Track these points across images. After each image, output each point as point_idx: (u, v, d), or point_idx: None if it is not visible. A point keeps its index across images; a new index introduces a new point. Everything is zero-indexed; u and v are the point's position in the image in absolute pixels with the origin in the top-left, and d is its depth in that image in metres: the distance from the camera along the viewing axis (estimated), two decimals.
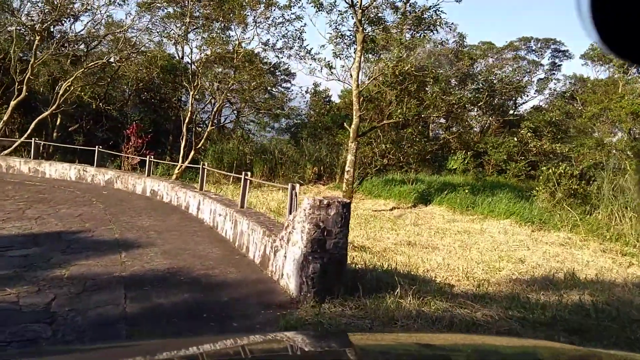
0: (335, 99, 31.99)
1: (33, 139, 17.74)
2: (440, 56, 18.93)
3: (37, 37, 19.63)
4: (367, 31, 16.40)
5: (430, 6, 16.05)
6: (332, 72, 17.72)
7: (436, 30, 16.84)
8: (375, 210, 16.21)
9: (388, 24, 17.26)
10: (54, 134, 22.89)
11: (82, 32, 23.00)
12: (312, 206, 5.41)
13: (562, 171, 15.14)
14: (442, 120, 28.03)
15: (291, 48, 22.58)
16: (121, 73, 24.79)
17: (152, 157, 15.57)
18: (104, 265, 6.48)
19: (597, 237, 12.18)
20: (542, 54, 37.42)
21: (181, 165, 20.31)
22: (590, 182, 16.29)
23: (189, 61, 24.39)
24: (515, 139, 24.50)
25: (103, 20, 23.09)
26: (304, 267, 5.40)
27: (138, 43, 22.99)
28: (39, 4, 20.15)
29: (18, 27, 20.94)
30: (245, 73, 22.03)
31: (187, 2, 21.92)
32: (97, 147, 15.97)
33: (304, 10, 23.87)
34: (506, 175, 24.65)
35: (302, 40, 26.52)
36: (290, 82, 32.21)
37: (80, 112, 24.41)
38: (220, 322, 4.85)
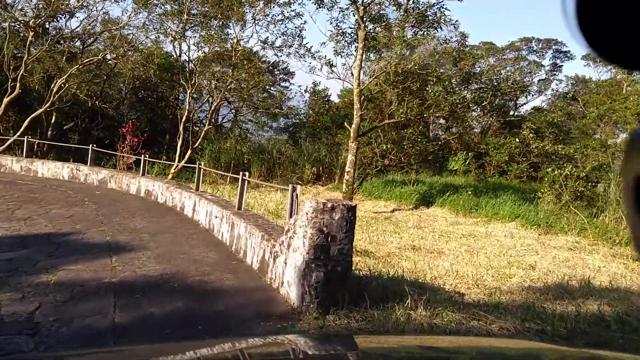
0: (335, 98, 31.81)
1: (26, 137, 17.36)
2: (444, 54, 18.58)
3: (31, 33, 19.29)
4: (368, 28, 16.07)
5: (434, 3, 15.76)
6: (332, 71, 17.39)
7: (440, 27, 16.52)
8: (376, 212, 15.88)
9: (391, 20, 16.93)
10: (49, 132, 22.51)
11: (77, 29, 22.71)
12: (315, 209, 5.05)
13: (569, 173, 14.81)
14: (442, 121, 27.77)
15: (290, 46, 22.27)
16: (117, 71, 24.49)
17: (148, 156, 15.26)
18: (93, 271, 6.17)
19: (606, 241, 11.85)
20: (543, 55, 37.27)
21: (177, 165, 19.98)
22: (594, 184, 16.02)
23: (187, 59, 24.07)
24: (517, 140, 24.20)
25: (99, 17, 22.80)
26: (306, 275, 5.04)
27: (135, 40, 22.64)
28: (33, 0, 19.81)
29: (12, 24, 20.60)
30: (243, 71, 21.70)
31: None
32: (91, 145, 15.60)
33: (304, 7, 23.58)
34: (508, 176, 24.37)
35: (302, 38, 26.25)
36: (289, 81, 32.01)
37: (75, 110, 24.06)
38: (216, 334, 4.55)
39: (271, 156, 23.95)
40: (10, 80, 19.80)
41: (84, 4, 21.02)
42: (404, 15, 16.33)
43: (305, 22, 39.09)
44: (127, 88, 26.35)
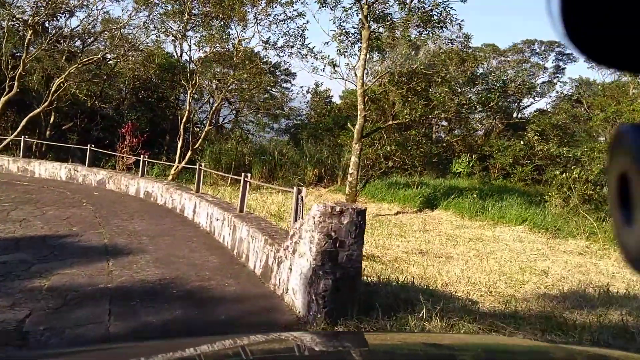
0: (337, 99, 31.54)
1: (23, 136, 17.09)
2: (451, 53, 18.31)
3: (30, 32, 19.05)
4: (372, 28, 15.81)
5: (440, 2, 15.50)
6: (335, 71, 17.13)
7: (445, 27, 16.26)
8: (380, 215, 15.59)
9: (395, 19, 16.66)
10: (47, 132, 22.25)
11: (77, 29, 22.49)
12: (322, 213, 4.76)
13: (577, 176, 14.52)
14: (445, 123, 27.51)
15: (293, 46, 22.03)
16: (117, 71, 24.25)
17: (148, 157, 15.00)
18: (89, 275, 5.92)
19: (617, 245, 11.55)
20: (546, 57, 37.01)
21: (177, 166, 19.72)
22: (601, 187, 15.74)
23: (188, 59, 23.81)
24: (522, 142, 23.90)
25: (99, 17, 22.57)
26: (312, 283, 4.75)
27: (135, 40, 22.40)
28: None
29: (11, 23, 20.37)
30: (244, 72, 21.47)
31: None
32: (89, 145, 15.33)
33: (306, 6, 23.34)
34: (512, 179, 24.08)
35: (305, 39, 26.01)
36: (290, 82, 31.75)
37: (74, 110, 23.80)
38: None
39: (272, 157, 23.64)
40: (8, 79, 19.57)
41: (84, 3, 20.87)
42: (408, 14, 16.08)
43: (307, 21, 38.81)
44: (127, 88, 26.10)
